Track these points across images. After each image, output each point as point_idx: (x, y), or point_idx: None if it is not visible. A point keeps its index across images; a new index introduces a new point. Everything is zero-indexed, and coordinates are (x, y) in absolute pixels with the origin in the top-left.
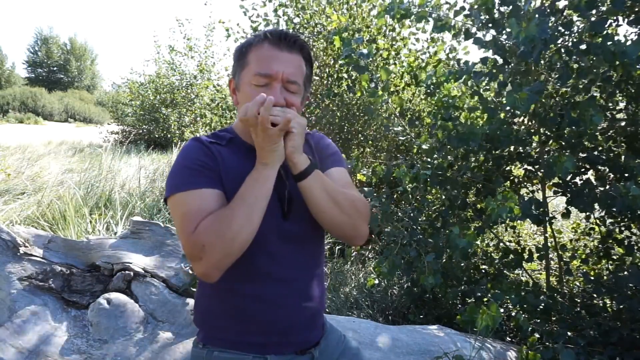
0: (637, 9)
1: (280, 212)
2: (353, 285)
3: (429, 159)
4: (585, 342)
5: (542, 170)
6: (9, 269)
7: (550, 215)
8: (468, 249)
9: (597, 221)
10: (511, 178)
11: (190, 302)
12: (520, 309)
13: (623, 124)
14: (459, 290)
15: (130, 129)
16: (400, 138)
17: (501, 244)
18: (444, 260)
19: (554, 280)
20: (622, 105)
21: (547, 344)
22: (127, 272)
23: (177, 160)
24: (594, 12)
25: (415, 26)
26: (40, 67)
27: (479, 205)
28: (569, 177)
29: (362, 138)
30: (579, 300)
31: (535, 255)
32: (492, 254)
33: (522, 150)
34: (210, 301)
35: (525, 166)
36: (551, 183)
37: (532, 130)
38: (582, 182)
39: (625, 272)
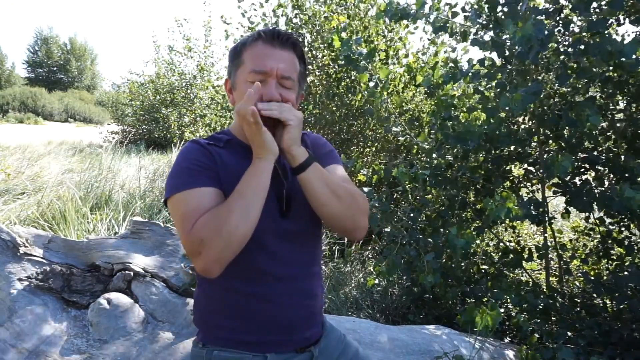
0: (638, 8)
1: (278, 210)
2: (353, 285)
3: (428, 159)
4: (585, 342)
5: (541, 170)
6: (9, 269)
7: (550, 215)
8: (467, 249)
9: (597, 221)
10: (511, 178)
11: (190, 302)
12: (520, 308)
13: (623, 124)
14: (459, 290)
15: (130, 129)
16: (400, 138)
17: (501, 243)
18: (444, 260)
19: (553, 280)
20: (622, 105)
21: (547, 344)
22: (127, 272)
23: (176, 162)
24: (593, 11)
25: (414, 26)
26: (40, 67)
27: (478, 205)
28: (568, 177)
29: (361, 138)
30: (578, 300)
31: (535, 255)
32: (492, 254)
33: (521, 150)
34: (209, 300)
35: (525, 166)
36: (551, 183)
37: (532, 130)
38: (581, 182)
39: (625, 272)
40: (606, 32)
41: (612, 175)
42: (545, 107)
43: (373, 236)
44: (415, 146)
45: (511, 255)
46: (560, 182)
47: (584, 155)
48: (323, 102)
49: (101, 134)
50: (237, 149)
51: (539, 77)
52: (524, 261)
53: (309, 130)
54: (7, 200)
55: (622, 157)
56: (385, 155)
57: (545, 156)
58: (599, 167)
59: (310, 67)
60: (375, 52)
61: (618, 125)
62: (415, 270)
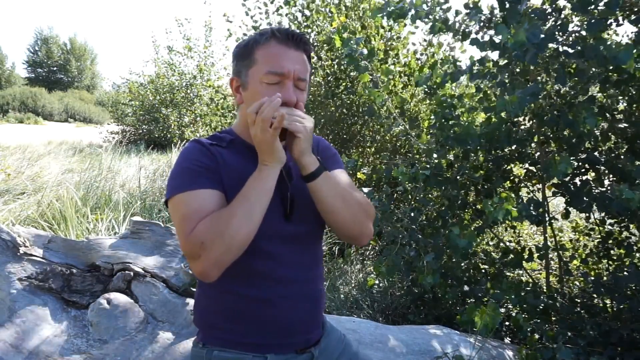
0: (637, 9)
1: (282, 213)
2: (353, 285)
3: (428, 159)
4: (585, 342)
5: (541, 171)
6: (9, 269)
7: (551, 215)
8: (468, 249)
9: (597, 221)
10: (511, 178)
11: (190, 302)
12: (520, 309)
13: (623, 125)
14: (459, 290)
15: (130, 129)
16: (401, 137)
17: (501, 244)
18: (444, 260)
19: (554, 280)
20: (622, 106)
21: (547, 344)
22: (127, 272)
23: (177, 162)
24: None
25: (414, 26)
26: (40, 67)
27: (478, 205)
28: (568, 178)
29: (361, 138)
30: (578, 301)
31: (536, 255)
32: (492, 254)
33: (522, 150)
34: (210, 302)
35: (526, 166)
36: (551, 183)
37: (533, 131)
38: (581, 182)
39: (625, 272)
40: (603, 35)
41: (611, 176)
42: (546, 108)
43: (373, 236)
44: (416, 146)
45: (511, 256)
46: (560, 182)
47: (584, 155)
48: (323, 102)
49: (101, 134)
50: (241, 149)
51: (539, 78)
52: (524, 261)
53: None
54: (7, 200)
55: (622, 157)
56: (385, 155)
57: (545, 156)
58: (599, 168)
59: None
60: (374, 52)
61: (618, 126)
62: (415, 271)
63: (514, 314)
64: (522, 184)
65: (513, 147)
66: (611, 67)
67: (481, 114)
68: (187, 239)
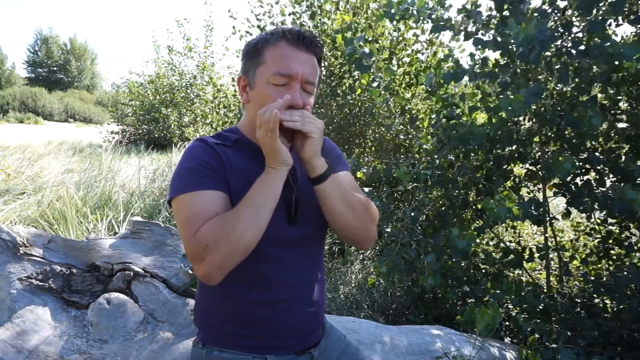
0: (636, 9)
1: (285, 216)
2: (353, 285)
3: (429, 159)
4: (585, 343)
5: (542, 171)
6: (9, 269)
7: (551, 215)
8: (468, 250)
9: (598, 221)
10: (512, 178)
11: (190, 302)
12: (520, 309)
13: (624, 125)
14: (459, 290)
15: (130, 129)
16: (401, 137)
17: (501, 244)
18: (444, 261)
19: (554, 280)
20: (623, 106)
21: (547, 344)
22: (127, 272)
23: (181, 162)
24: (593, 12)
25: (418, 28)
26: (40, 67)
27: (479, 205)
28: (569, 178)
29: (362, 138)
30: (578, 301)
31: (536, 255)
32: (493, 254)
33: (522, 150)
34: (210, 303)
35: (527, 166)
36: (552, 183)
37: (534, 131)
38: (582, 182)
39: (625, 273)
40: (606, 33)
41: (612, 176)
42: (548, 107)
43: None
44: (417, 146)
45: (511, 256)
46: (561, 182)
47: (585, 155)
48: (324, 101)
49: (101, 134)
50: (246, 149)
51: (540, 77)
52: (524, 261)
53: None
54: (7, 200)
55: (623, 158)
56: (385, 155)
57: (546, 156)
58: (600, 168)
59: None
60: (376, 51)
61: (619, 125)
62: (416, 271)
63: (514, 314)
64: (523, 184)
65: (514, 147)
66: (614, 67)
67: (481, 114)
68: (191, 241)
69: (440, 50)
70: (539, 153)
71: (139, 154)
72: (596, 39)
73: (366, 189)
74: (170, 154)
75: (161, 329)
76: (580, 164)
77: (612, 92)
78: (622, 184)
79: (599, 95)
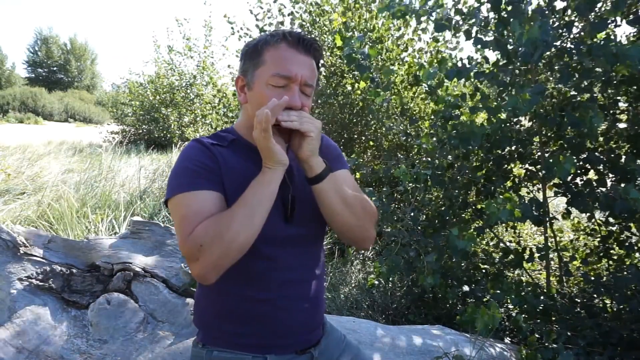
0: (635, 9)
1: (282, 215)
2: (353, 285)
3: (429, 159)
4: (585, 343)
5: (542, 171)
6: (9, 269)
7: (551, 215)
8: (467, 250)
9: (598, 221)
10: (512, 178)
11: (190, 302)
12: (520, 309)
13: (624, 125)
14: (459, 290)
15: (130, 129)
16: (402, 137)
17: (501, 244)
18: (444, 261)
19: (554, 281)
20: (623, 106)
21: (547, 344)
22: (127, 272)
23: (178, 162)
24: (592, 13)
25: (420, 28)
26: (40, 67)
27: (479, 205)
28: (569, 178)
29: (363, 138)
30: (578, 301)
31: (536, 255)
32: (493, 254)
33: (522, 150)
34: (209, 302)
35: (526, 166)
36: (552, 183)
37: (533, 131)
38: (582, 182)
39: (625, 273)
40: (608, 33)
41: (612, 176)
42: (548, 107)
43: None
44: (417, 146)
45: (511, 256)
46: (561, 182)
47: (585, 155)
48: (326, 101)
49: (101, 134)
50: (242, 149)
51: (541, 77)
52: (524, 261)
53: None
54: (7, 200)
55: (623, 157)
56: (385, 155)
57: (546, 156)
58: (600, 168)
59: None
60: (376, 52)
61: (619, 125)
62: (416, 271)
63: (514, 314)
64: (522, 184)
65: (514, 147)
66: (616, 67)
67: (481, 114)
68: (186, 240)
69: (443, 47)
70: (539, 153)
71: (139, 154)
72: (597, 40)
73: (366, 189)
74: (170, 154)
75: (161, 329)
76: (581, 164)
77: (611, 92)
78: (623, 184)
79: (600, 95)
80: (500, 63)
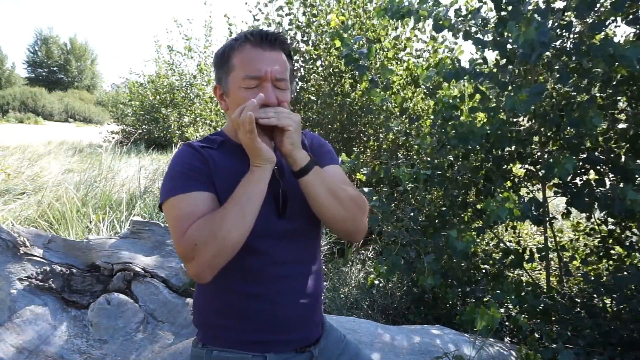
0: (634, 10)
1: (274, 210)
2: (353, 285)
3: (429, 159)
4: (585, 343)
5: (542, 171)
6: (9, 269)
7: (551, 215)
8: (467, 251)
9: (598, 221)
10: (511, 178)
11: (191, 302)
12: (520, 309)
13: (624, 125)
14: (459, 290)
15: (130, 129)
16: (401, 137)
17: (501, 244)
18: (444, 261)
19: (554, 281)
20: (622, 106)
21: (547, 344)
22: (127, 272)
23: (170, 167)
24: (592, 13)
25: (417, 29)
26: (40, 67)
27: (479, 205)
28: (569, 178)
29: (364, 138)
30: (578, 301)
31: (536, 255)
32: (493, 254)
33: (522, 150)
34: (207, 300)
35: (526, 166)
36: (551, 183)
37: (533, 131)
38: (582, 182)
39: (625, 273)
40: (606, 34)
41: (612, 176)
42: (547, 107)
43: (373, 236)
44: (417, 146)
45: (511, 256)
46: (561, 182)
47: (585, 155)
48: (325, 101)
49: (101, 134)
50: (232, 150)
51: (540, 78)
52: (524, 262)
53: (309, 129)
54: (7, 200)
55: (623, 157)
56: (385, 155)
57: (546, 156)
58: (600, 168)
59: (313, 66)
60: (374, 52)
61: (619, 125)
62: (416, 271)
63: (514, 314)
64: (522, 184)
65: (514, 147)
66: (615, 67)
67: (480, 114)
68: (180, 241)
69: (442, 47)
70: (539, 153)
71: (139, 154)
72: (596, 40)
73: (366, 189)
74: (170, 154)
75: (161, 329)
76: (580, 164)
77: (611, 92)
78: (622, 183)
79: (599, 95)
80: (501, 63)
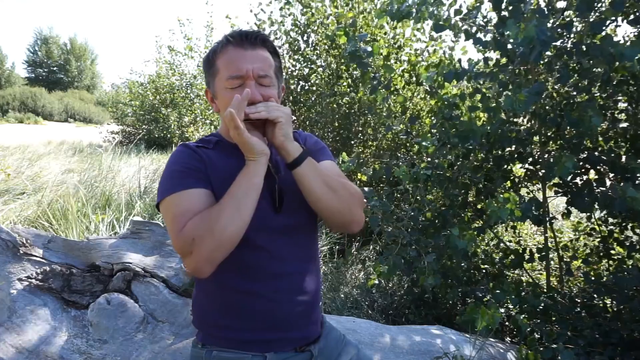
0: (635, 9)
1: (271, 206)
2: (353, 285)
3: (429, 159)
4: (585, 343)
5: (542, 170)
6: (9, 269)
7: (551, 215)
8: (467, 250)
9: (598, 221)
10: (511, 178)
11: (191, 302)
12: (520, 309)
13: (624, 124)
14: (459, 290)
15: (130, 129)
16: (402, 137)
17: (502, 244)
18: (445, 261)
19: (554, 281)
20: (622, 105)
21: (547, 344)
22: (127, 272)
23: (166, 166)
24: (592, 13)
25: (416, 29)
26: (40, 67)
27: (479, 205)
28: (569, 178)
29: (363, 138)
30: (579, 301)
31: (536, 255)
32: (493, 254)
33: (522, 150)
34: (206, 299)
35: (526, 166)
36: (552, 183)
37: (533, 130)
38: (582, 182)
39: (626, 273)
40: (606, 33)
41: (612, 175)
42: (547, 107)
43: (373, 236)
44: (417, 145)
45: (512, 257)
46: (561, 182)
47: (585, 155)
48: (324, 100)
49: (101, 134)
50: (227, 149)
51: (541, 77)
52: (524, 262)
53: (309, 129)
54: (7, 200)
55: (623, 157)
56: (385, 154)
57: (546, 156)
58: (600, 167)
59: (314, 65)
60: (378, 49)
61: (619, 125)
62: (416, 271)
63: (514, 314)
64: (522, 184)
65: (514, 147)
66: (615, 66)
67: (481, 114)
68: (178, 236)
69: (441, 47)
70: (539, 153)
71: (139, 154)
72: (596, 40)
73: (366, 189)
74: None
75: (161, 329)
76: (581, 163)
77: (611, 92)
78: (622, 183)
79: (599, 95)
80: (501, 63)
